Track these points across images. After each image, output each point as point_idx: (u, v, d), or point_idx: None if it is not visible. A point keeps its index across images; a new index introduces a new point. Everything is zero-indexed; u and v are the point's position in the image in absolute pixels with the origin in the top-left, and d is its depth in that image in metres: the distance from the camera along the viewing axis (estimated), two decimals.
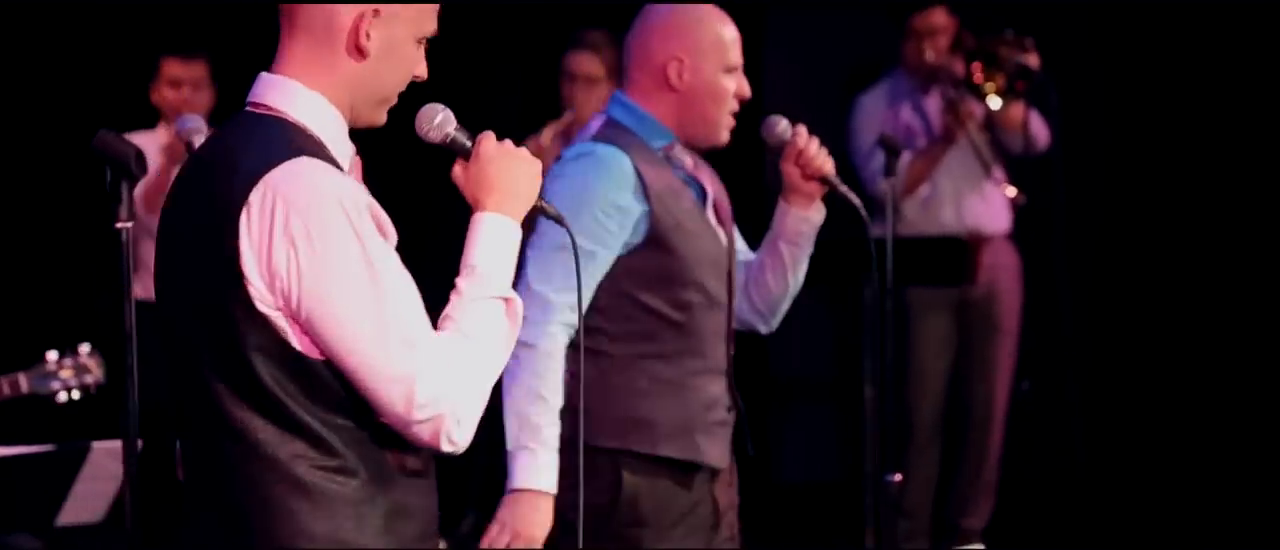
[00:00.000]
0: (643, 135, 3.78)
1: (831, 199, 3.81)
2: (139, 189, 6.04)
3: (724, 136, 3.84)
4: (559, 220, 2.86)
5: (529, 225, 2.86)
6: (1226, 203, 7.37)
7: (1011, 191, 6.57)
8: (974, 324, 6.63)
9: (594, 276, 3.70)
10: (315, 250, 2.49)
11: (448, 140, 2.76)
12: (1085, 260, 6.97)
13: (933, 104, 6.58)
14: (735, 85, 3.79)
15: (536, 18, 7.14)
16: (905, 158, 6.35)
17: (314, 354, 2.53)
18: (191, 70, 6.23)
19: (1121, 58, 7.44)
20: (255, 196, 2.51)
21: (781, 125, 3.77)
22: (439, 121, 2.76)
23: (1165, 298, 7.44)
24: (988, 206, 6.63)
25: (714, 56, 3.78)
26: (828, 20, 7.44)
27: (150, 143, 6.07)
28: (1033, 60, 6.33)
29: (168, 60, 6.23)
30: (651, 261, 3.72)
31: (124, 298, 2.96)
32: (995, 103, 6.41)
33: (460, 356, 2.55)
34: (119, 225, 2.97)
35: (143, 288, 6.29)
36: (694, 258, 3.75)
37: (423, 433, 2.54)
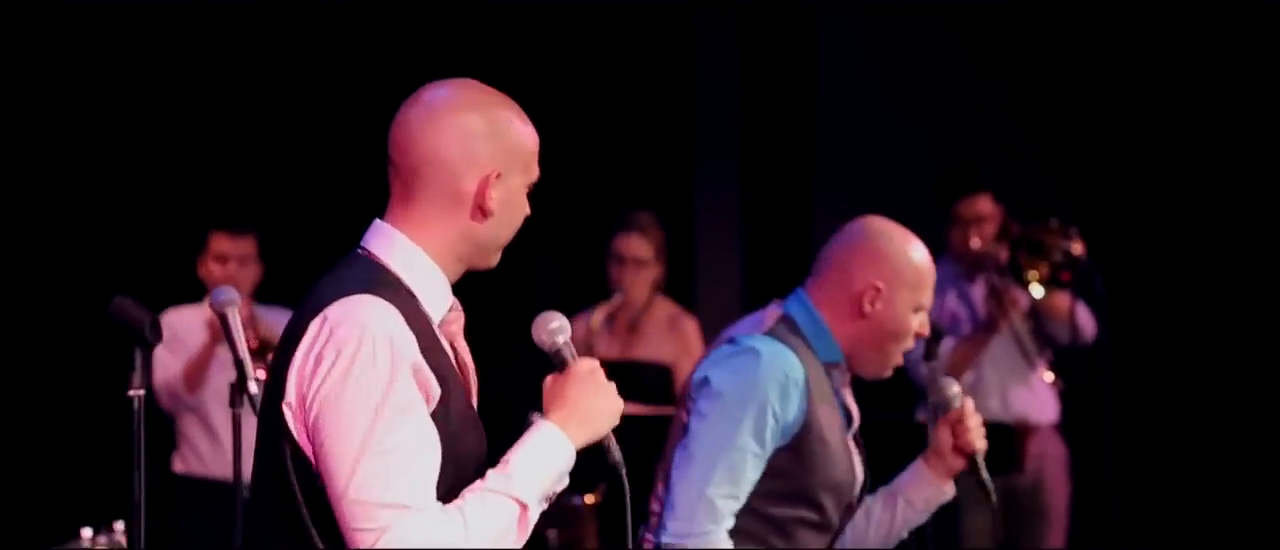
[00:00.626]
0: (814, 344, 3.69)
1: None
2: (182, 367, 6.03)
3: (889, 373, 3.77)
4: (617, 468, 2.79)
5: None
6: (1273, 382, 7.29)
7: (1049, 377, 6.51)
8: (1022, 514, 6.55)
9: (753, 479, 3.61)
10: (339, 367, 2.52)
11: (555, 351, 2.76)
12: (1133, 449, 6.88)
13: (978, 291, 6.55)
14: (918, 324, 3.72)
15: (581, 196, 7.19)
16: (948, 344, 6.32)
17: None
18: (239, 246, 6.17)
19: (1167, 244, 7.40)
20: (314, 323, 2.57)
21: (954, 389, 3.73)
22: (554, 329, 2.76)
23: (1217, 487, 7.33)
24: (1034, 396, 6.58)
25: (912, 294, 3.70)
26: (874, 207, 7.43)
27: (196, 317, 6.05)
28: (1078, 248, 6.30)
29: (216, 234, 6.18)
30: (785, 468, 3.63)
31: (134, 468, 2.90)
32: (1038, 291, 6.37)
33: (445, 534, 2.52)
34: (131, 392, 2.93)
35: (182, 463, 6.35)
36: (825, 478, 3.66)
37: None
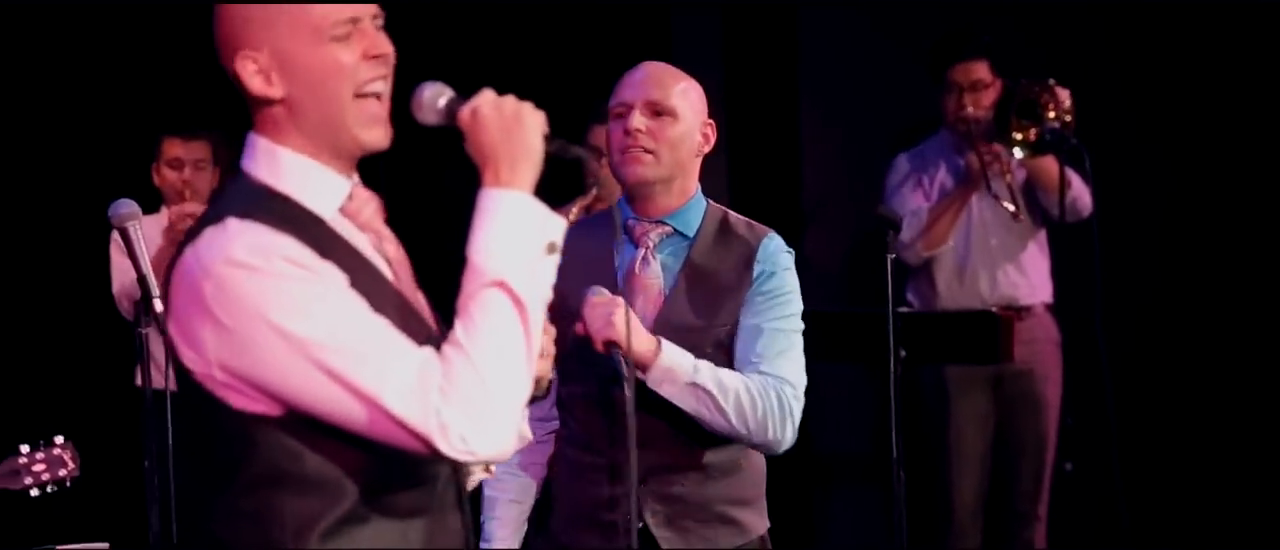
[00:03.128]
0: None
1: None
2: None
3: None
4: (581, 160, 2.57)
5: None
6: (1277, 263, 7.10)
7: (1011, 209, 6.30)
8: (1013, 401, 6.40)
9: None
10: (229, 322, 2.36)
11: (447, 116, 2.54)
12: (1127, 330, 6.70)
13: (970, 160, 6.33)
14: None
15: (558, 87, 6.99)
16: (909, 229, 6.15)
17: (253, 409, 2.40)
18: (193, 150, 6.09)
19: (1160, 112, 7.17)
20: (174, 274, 2.43)
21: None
22: (428, 99, 2.54)
23: (1211, 367, 7.16)
24: (1024, 276, 6.40)
25: None
26: (866, 79, 7.26)
27: (153, 227, 5.92)
28: (1065, 101, 6.04)
29: (168, 140, 6.09)
30: None
31: None
32: (1018, 152, 6.16)
33: (453, 369, 2.35)
34: None
35: (143, 378, 6.25)
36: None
37: (415, 446, 2.37)
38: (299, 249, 2.38)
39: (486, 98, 2.51)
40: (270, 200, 2.45)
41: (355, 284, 2.42)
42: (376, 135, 2.51)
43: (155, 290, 4.07)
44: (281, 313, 2.34)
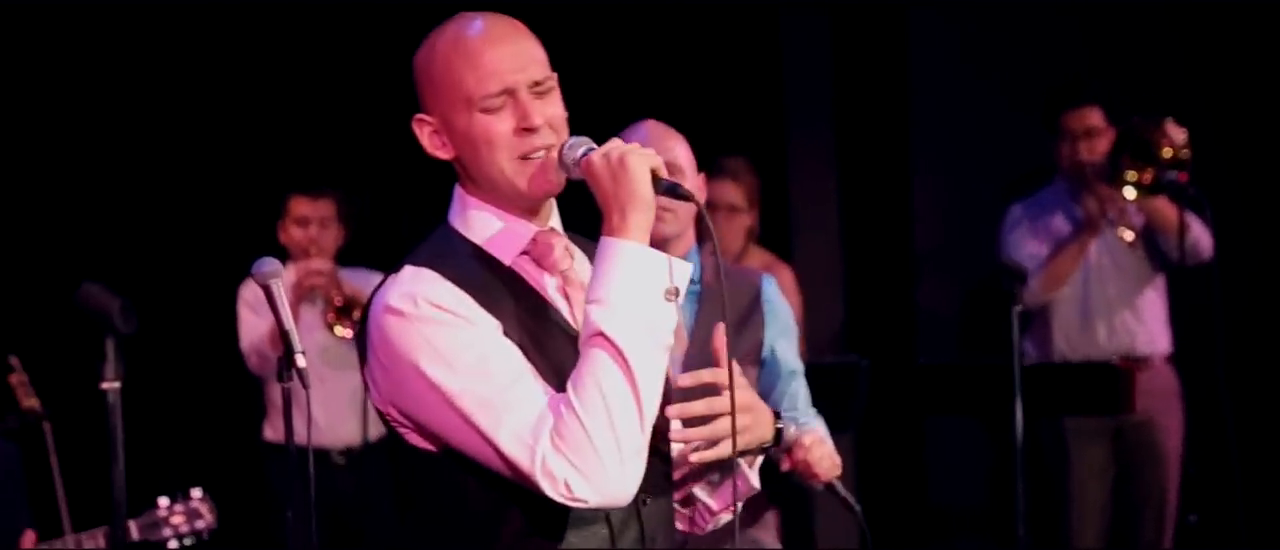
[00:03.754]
0: None
1: None
2: (268, 329, 5.98)
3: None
4: (688, 197, 2.59)
5: None
6: None
7: (1129, 236, 6.24)
8: (1134, 453, 6.34)
9: None
10: (388, 364, 2.51)
11: (575, 164, 2.57)
12: (1250, 378, 6.63)
13: (1086, 204, 6.30)
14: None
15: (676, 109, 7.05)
16: (1034, 281, 6.11)
17: (422, 446, 2.54)
18: (319, 208, 6.18)
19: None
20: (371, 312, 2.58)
21: (790, 431, 3.78)
22: (567, 153, 2.57)
23: None
24: (1143, 325, 6.35)
25: None
26: (971, 145, 7.25)
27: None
28: (1178, 137, 6.00)
29: (295, 198, 6.20)
30: None
31: (112, 463, 2.71)
32: (1130, 193, 6.11)
33: (564, 424, 2.43)
34: (104, 385, 2.72)
35: (273, 430, 6.34)
36: None
37: (543, 488, 2.45)
38: (451, 295, 2.49)
39: (608, 148, 2.55)
40: (454, 246, 2.59)
41: (513, 329, 2.51)
42: (541, 186, 2.59)
43: (298, 345, 4.12)
44: (423, 357, 2.47)
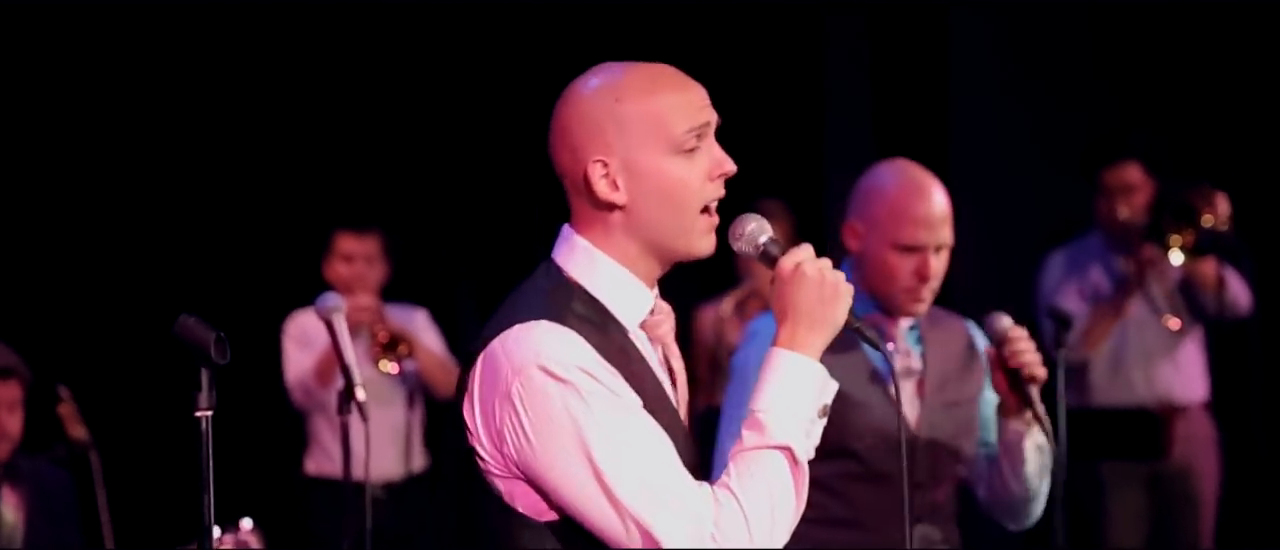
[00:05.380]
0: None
1: None
2: (313, 364, 6.01)
3: (910, 306, 3.82)
4: (875, 344, 2.62)
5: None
6: None
7: (1175, 324, 6.27)
8: (1170, 500, 6.34)
9: None
10: (524, 417, 2.40)
11: (759, 253, 2.61)
12: None
13: (1125, 265, 6.33)
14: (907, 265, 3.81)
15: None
16: (1078, 328, 6.12)
17: (521, 507, 2.45)
18: (365, 245, 6.18)
19: None
20: (479, 361, 2.45)
21: (1005, 322, 3.64)
22: (749, 233, 2.61)
23: None
24: (1180, 374, 6.36)
25: (891, 230, 3.84)
26: (1010, 180, 7.28)
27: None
28: (1223, 208, 6.03)
29: (341, 234, 6.19)
30: None
31: (203, 490, 2.78)
32: (1176, 258, 6.13)
33: (724, 515, 2.40)
34: (198, 413, 2.79)
35: (314, 464, 6.37)
36: (852, 428, 3.65)
37: None
38: (601, 364, 2.42)
39: (809, 255, 2.53)
40: (582, 302, 2.49)
41: (647, 404, 2.46)
42: (708, 244, 2.54)
43: (358, 379, 4.18)
44: (583, 428, 2.39)
